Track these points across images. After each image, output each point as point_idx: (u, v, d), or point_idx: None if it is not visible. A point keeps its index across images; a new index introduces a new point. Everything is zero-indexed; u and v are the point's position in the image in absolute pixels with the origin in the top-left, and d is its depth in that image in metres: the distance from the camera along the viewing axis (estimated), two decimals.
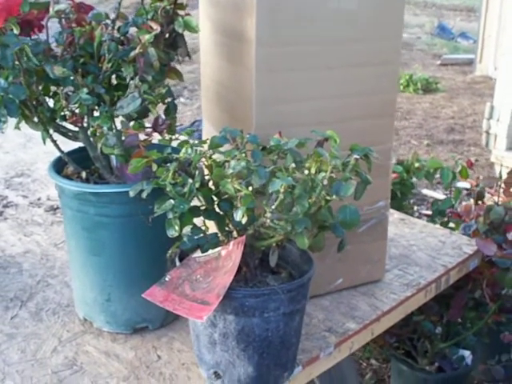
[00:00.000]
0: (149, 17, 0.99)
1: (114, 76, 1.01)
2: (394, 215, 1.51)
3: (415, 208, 3.07)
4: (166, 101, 1.04)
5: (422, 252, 1.32)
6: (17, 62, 0.88)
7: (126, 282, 1.00)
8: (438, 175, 1.85)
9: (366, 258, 1.17)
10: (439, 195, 3.06)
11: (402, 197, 1.88)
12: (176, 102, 1.05)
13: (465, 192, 2.57)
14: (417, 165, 1.83)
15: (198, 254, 0.88)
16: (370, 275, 1.19)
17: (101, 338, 1.03)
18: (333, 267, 1.14)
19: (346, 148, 0.88)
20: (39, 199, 1.58)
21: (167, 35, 0.99)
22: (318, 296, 1.15)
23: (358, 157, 0.78)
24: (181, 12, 1.01)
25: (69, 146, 1.05)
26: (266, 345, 0.85)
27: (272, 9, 0.93)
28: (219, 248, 0.87)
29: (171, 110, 1.04)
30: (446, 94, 4.78)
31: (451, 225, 1.66)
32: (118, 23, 1.02)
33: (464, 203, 1.56)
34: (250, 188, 0.75)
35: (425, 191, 3.19)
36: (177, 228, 0.78)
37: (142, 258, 0.98)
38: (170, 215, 0.79)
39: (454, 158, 2.54)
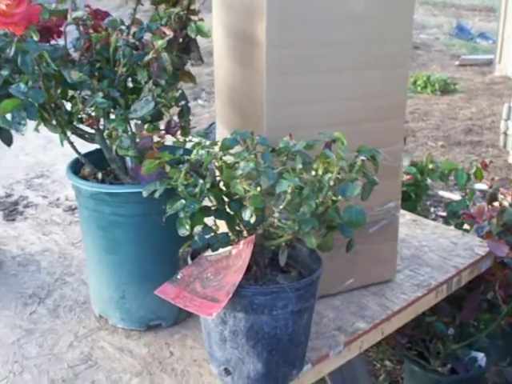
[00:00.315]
0: (163, 22, 1.02)
1: (129, 80, 1.04)
2: (406, 216, 1.52)
3: (432, 210, 3.08)
4: (180, 104, 1.07)
5: (434, 253, 1.33)
6: (36, 67, 0.92)
7: (140, 280, 1.02)
8: (452, 177, 1.87)
9: (377, 258, 1.18)
10: (456, 197, 3.06)
11: (416, 198, 1.89)
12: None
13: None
14: (431, 166, 1.84)
15: (209, 252, 0.91)
16: (381, 275, 1.21)
17: (115, 334, 1.06)
18: (344, 267, 1.16)
19: (355, 149, 0.90)
20: (58, 199, 1.62)
21: (180, 40, 1.02)
22: (329, 296, 1.17)
23: (364, 158, 0.80)
24: (194, 17, 1.04)
25: (86, 147, 1.08)
26: (274, 342, 0.88)
27: (282, 12, 0.95)
28: (230, 247, 0.89)
29: (185, 113, 1.06)
30: (465, 94, 4.77)
31: (466, 226, 1.67)
32: (134, 29, 1.05)
33: (477, 204, 1.57)
34: (259, 188, 0.77)
35: (442, 193, 3.20)
36: (187, 227, 0.81)
37: (156, 257, 1.01)
38: (181, 215, 0.81)
39: (469, 159, 2.54)
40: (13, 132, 1.78)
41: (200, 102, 4.52)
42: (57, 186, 1.70)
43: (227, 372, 0.92)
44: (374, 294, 1.18)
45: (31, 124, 0.97)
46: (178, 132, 1.03)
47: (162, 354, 1.01)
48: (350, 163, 0.81)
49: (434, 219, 2.58)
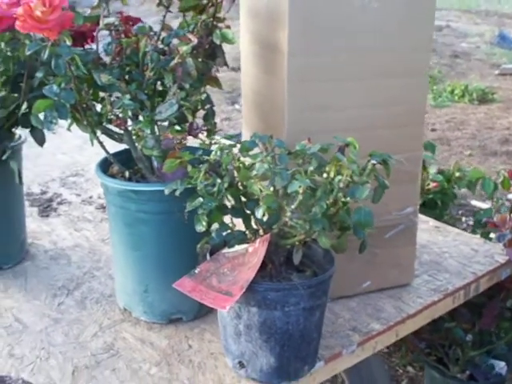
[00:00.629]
0: (190, 29, 1.06)
1: (159, 83, 1.09)
2: (430, 223, 1.54)
3: (464, 219, 3.07)
4: (206, 107, 1.12)
5: (454, 259, 1.35)
6: (68, 70, 0.97)
7: (162, 275, 1.07)
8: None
9: (395, 262, 1.21)
10: (488, 206, 3.04)
11: (442, 206, 1.90)
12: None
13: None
14: (458, 174, 1.85)
15: (227, 249, 0.95)
16: (399, 279, 1.23)
17: (138, 326, 1.11)
18: (361, 270, 1.19)
19: None
20: (91, 197, 1.68)
21: (207, 46, 1.07)
22: (347, 297, 1.20)
23: (375, 162, 0.83)
24: (221, 24, 1.09)
25: (116, 147, 1.13)
26: (286, 337, 0.91)
27: (303, 21, 0.99)
28: (247, 245, 0.93)
29: (209, 116, 1.11)
30: (503, 104, 4.72)
31: (492, 235, 1.68)
32: (164, 34, 1.10)
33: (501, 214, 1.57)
34: (272, 188, 0.81)
35: (474, 202, 3.18)
36: (204, 224, 0.85)
37: (178, 253, 1.05)
38: (199, 212, 0.86)
39: (496, 168, 2.53)
40: (49, 132, 1.85)
41: (237, 106, 4.58)
42: (90, 184, 1.76)
43: (241, 365, 0.96)
44: (391, 296, 1.21)
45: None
46: (204, 134, 1.08)
47: (180, 347, 1.06)
48: (362, 167, 0.85)
49: (464, 229, 2.58)
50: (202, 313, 1.13)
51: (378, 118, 1.10)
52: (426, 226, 1.52)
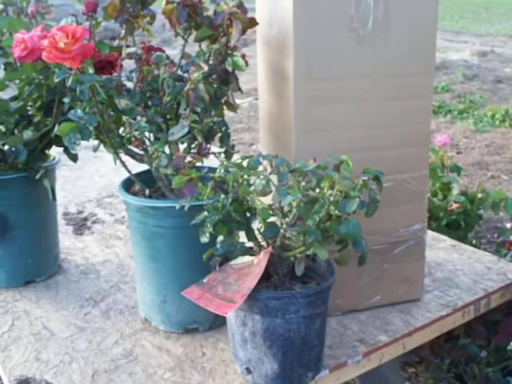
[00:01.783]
0: (205, 57, 1.15)
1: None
2: (447, 242, 1.57)
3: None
4: (222, 130, 1.19)
5: (466, 276, 1.39)
6: (91, 96, 1.06)
7: (178, 286, 1.13)
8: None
9: (403, 277, 1.25)
10: None
11: (466, 227, 1.93)
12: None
13: None
14: (480, 195, 1.88)
15: (235, 261, 1.02)
16: (408, 294, 1.27)
17: (157, 335, 1.18)
18: (370, 285, 1.24)
19: None
20: (123, 217, 1.77)
21: (221, 73, 1.15)
22: (357, 311, 1.25)
23: (365, 178, 0.88)
24: (236, 53, 1.17)
25: (141, 168, 1.22)
26: (288, 344, 0.97)
27: (308, 49, 1.06)
28: (253, 257, 1.00)
29: (224, 138, 1.18)
30: None
31: None
32: (183, 62, 1.19)
33: None
34: (271, 202, 0.88)
35: (509, 225, 3.17)
36: (207, 235, 0.92)
37: (193, 265, 1.12)
38: (204, 225, 0.93)
39: None
40: (91, 156, 1.98)
41: None
42: (123, 205, 1.85)
43: (248, 371, 1.02)
44: (400, 311, 1.25)
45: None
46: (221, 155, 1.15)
47: (195, 354, 1.12)
48: (355, 183, 0.91)
49: (485, 248, 2.58)
50: (217, 323, 1.19)
51: (383, 138, 1.15)
52: (444, 244, 1.56)
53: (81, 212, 1.82)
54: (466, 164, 3.92)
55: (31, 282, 1.39)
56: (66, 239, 1.62)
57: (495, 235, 3.07)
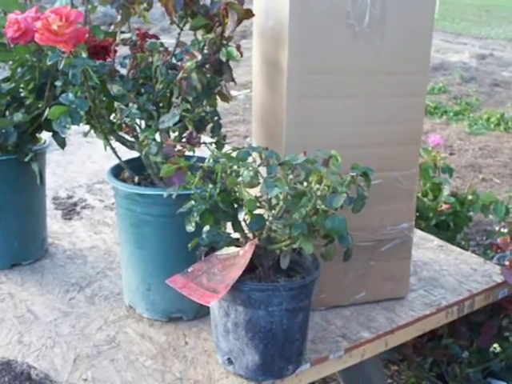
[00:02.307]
0: (200, 46, 1.14)
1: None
2: (434, 242, 1.58)
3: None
4: (214, 120, 1.19)
5: (452, 277, 1.39)
6: (84, 80, 1.06)
7: (163, 274, 1.13)
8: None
9: (389, 275, 1.26)
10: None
11: (455, 228, 1.93)
12: None
13: None
14: (470, 197, 1.88)
15: (220, 252, 1.02)
16: (393, 292, 1.28)
17: (140, 322, 1.18)
18: (356, 281, 1.24)
19: None
20: (113, 203, 1.77)
21: (215, 63, 1.14)
22: (342, 306, 1.25)
23: (354, 174, 0.88)
24: (231, 43, 1.16)
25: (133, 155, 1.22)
26: (270, 336, 0.97)
27: (302, 42, 1.06)
28: (239, 248, 1.00)
29: (216, 129, 1.18)
30: None
31: None
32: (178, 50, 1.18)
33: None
34: (259, 194, 0.88)
35: (498, 228, 3.18)
36: (193, 224, 0.92)
37: (179, 254, 1.12)
38: (191, 214, 0.93)
39: (507, 192, 2.55)
40: (84, 141, 1.97)
41: None
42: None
43: (230, 361, 1.02)
44: (384, 308, 1.25)
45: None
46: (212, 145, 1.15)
47: (177, 343, 1.12)
48: (343, 178, 0.91)
49: (473, 251, 2.59)
50: (201, 313, 1.19)
51: (375, 135, 1.15)
52: (431, 244, 1.56)
53: (71, 197, 1.81)
54: (459, 166, 3.93)
55: (17, 265, 1.39)
56: (55, 224, 1.62)
57: (484, 238, 3.08)
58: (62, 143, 1.26)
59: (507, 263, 1.44)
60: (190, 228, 0.93)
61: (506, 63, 7.41)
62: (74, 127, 1.12)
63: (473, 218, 2.07)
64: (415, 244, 1.54)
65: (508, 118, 4.77)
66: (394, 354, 1.64)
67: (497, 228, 3.21)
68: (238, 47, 1.15)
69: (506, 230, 1.83)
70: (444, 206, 1.86)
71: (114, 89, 1.05)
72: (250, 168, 0.88)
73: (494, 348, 1.52)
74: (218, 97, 1.19)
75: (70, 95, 1.04)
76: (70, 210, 1.72)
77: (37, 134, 1.34)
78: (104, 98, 1.09)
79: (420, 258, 1.48)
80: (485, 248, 1.86)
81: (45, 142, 1.37)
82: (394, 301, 1.28)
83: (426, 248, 1.54)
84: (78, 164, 2.11)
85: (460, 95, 5.65)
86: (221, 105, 1.22)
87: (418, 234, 1.62)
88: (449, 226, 1.92)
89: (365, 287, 1.25)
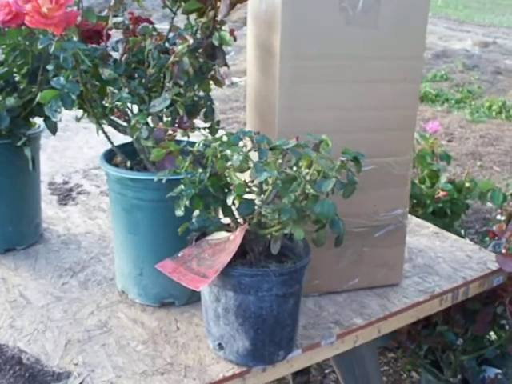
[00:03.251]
0: (193, 30, 1.13)
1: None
2: (430, 228, 1.57)
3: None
4: (207, 105, 1.18)
5: (447, 264, 1.39)
6: (75, 64, 1.05)
7: (155, 259, 1.12)
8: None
9: (382, 261, 1.25)
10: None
11: (452, 215, 1.93)
12: None
13: None
14: (467, 185, 1.87)
15: (211, 237, 1.01)
16: (387, 279, 1.27)
17: (133, 307, 1.18)
18: (349, 267, 1.24)
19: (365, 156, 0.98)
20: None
21: (208, 47, 1.14)
22: (335, 293, 1.25)
23: (344, 159, 0.88)
24: (225, 27, 1.15)
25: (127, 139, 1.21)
26: (260, 322, 0.97)
27: (295, 26, 1.05)
28: (230, 233, 0.99)
29: (209, 114, 1.17)
30: None
31: None
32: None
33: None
34: (249, 179, 0.87)
35: (499, 217, 3.17)
36: (182, 209, 0.92)
37: (171, 239, 1.11)
38: (180, 198, 0.92)
39: (505, 180, 2.54)
40: (81, 127, 1.96)
41: None
42: None
43: (220, 347, 1.02)
44: (378, 295, 1.25)
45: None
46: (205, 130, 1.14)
47: (169, 328, 1.12)
48: (334, 163, 0.90)
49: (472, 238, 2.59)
50: (193, 299, 1.19)
51: (368, 120, 1.14)
52: (426, 231, 1.56)
53: (66, 182, 1.81)
54: (459, 154, 3.92)
55: (11, 249, 1.38)
56: (50, 209, 1.62)
57: (484, 226, 3.08)
58: (53, 128, 1.26)
59: (503, 250, 1.44)
60: (180, 212, 0.93)
61: (509, 51, 7.37)
62: (71, 113, 1.12)
63: (472, 205, 2.06)
64: (411, 231, 1.54)
65: (510, 106, 4.75)
66: (390, 341, 1.64)
67: (498, 216, 3.21)
68: (232, 31, 1.15)
69: (502, 218, 1.83)
70: (441, 193, 1.85)
71: (106, 73, 1.04)
72: (240, 152, 0.87)
73: (489, 335, 1.51)
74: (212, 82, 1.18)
75: (62, 79, 1.03)
76: (65, 196, 1.71)
77: (30, 119, 1.33)
78: (96, 83, 1.08)
79: (415, 245, 1.48)
80: (482, 235, 1.86)
81: (39, 127, 1.36)
82: (387, 287, 1.27)
83: (422, 235, 1.53)
84: (75, 149, 2.11)
85: (462, 83, 5.62)
86: (222, 91, 1.22)
87: (414, 220, 1.61)
88: (446, 213, 1.91)
89: (358, 273, 1.25)
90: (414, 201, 1.91)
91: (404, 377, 2.00)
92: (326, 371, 2.02)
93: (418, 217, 1.72)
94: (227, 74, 5.24)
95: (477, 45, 7.45)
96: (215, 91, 1.27)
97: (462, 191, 1.92)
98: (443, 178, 1.89)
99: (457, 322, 1.46)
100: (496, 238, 1.54)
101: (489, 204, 2.08)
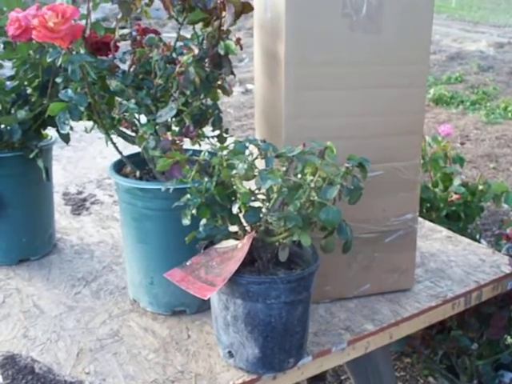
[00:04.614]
0: (199, 40, 1.14)
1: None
2: (443, 232, 1.57)
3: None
4: (214, 114, 1.19)
5: (459, 268, 1.38)
6: (83, 76, 1.06)
7: (166, 268, 1.13)
8: None
9: (393, 266, 1.25)
10: None
11: (466, 219, 1.91)
12: None
13: None
14: (481, 187, 1.86)
15: (219, 245, 1.02)
16: (398, 284, 1.27)
17: (144, 316, 1.19)
18: (360, 273, 1.23)
19: (372, 162, 0.98)
20: None
21: (214, 56, 1.14)
22: (346, 299, 1.25)
23: (349, 165, 0.88)
24: (231, 36, 1.16)
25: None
26: (269, 329, 0.97)
27: (299, 33, 1.05)
28: (237, 242, 1.00)
29: (216, 122, 1.18)
30: None
31: None
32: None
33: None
34: (254, 187, 0.88)
35: None
36: (189, 218, 0.92)
37: (180, 247, 1.11)
38: (187, 207, 0.93)
39: None
40: (96, 137, 1.98)
41: None
42: None
43: (230, 355, 1.02)
44: (390, 300, 1.25)
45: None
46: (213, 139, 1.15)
47: (180, 336, 1.13)
48: (341, 170, 0.90)
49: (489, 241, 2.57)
50: (204, 307, 1.19)
51: (375, 126, 1.14)
52: (439, 235, 1.55)
53: (80, 192, 1.83)
54: (475, 156, 3.90)
55: (25, 260, 1.40)
56: (64, 219, 1.63)
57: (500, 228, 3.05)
58: (65, 138, 1.27)
59: None
60: (186, 222, 0.94)
61: None
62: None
63: (489, 208, 2.05)
64: (423, 235, 1.53)
65: None
66: (405, 346, 1.63)
67: None
68: (238, 41, 1.15)
69: None
70: (454, 197, 1.84)
71: (113, 84, 1.05)
72: (246, 161, 0.88)
73: (505, 339, 1.50)
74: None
75: (70, 91, 1.05)
76: (79, 206, 1.73)
77: (42, 131, 1.35)
78: (104, 94, 1.10)
79: (428, 249, 1.47)
80: (496, 238, 1.85)
81: (51, 138, 1.38)
82: (399, 293, 1.27)
83: (434, 239, 1.53)
84: (89, 160, 2.13)
85: (477, 84, 5.59)
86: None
87: (427, 225, 1.61)
88: (460, 216, 1.90)
89: (369, 279, 1.25)
90: (428, 205, 1.90)
91: (421, 382, 1.99)
92: (342, 377, 2.01)
93: (431, 221, 1.71)
94: (242, 81, 5.27)
95: (492, 46, 7.40)
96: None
97: (475, 194, 1.91)
98: (456, 181, 1.88)
99: (471, 327, 1.45)
100: (510, 241, 1.53)
101: (506, 206, 2.06)
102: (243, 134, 4.27)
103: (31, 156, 1.29)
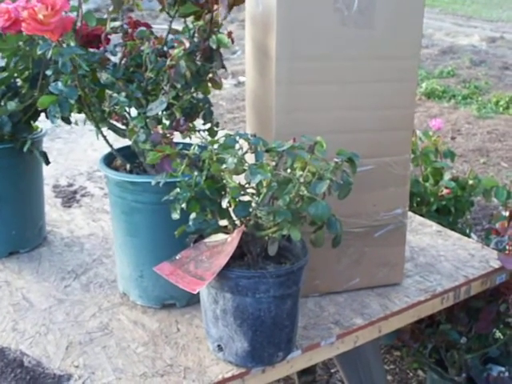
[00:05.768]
0: (191, 34, 1.14)
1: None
2: (433, 227, 1.57)
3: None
4: (204, 107, 1.19)
5: (448, 262, 1.38)
6: (73, 69, 1.06)
7: (155, 262, 1.13)
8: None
9: (383, 261, 1.25)
10: None
11: (456, 213, 1.92)
12: None
13: None
14: (471, 182, 1.87)
15: (209, 239, 1.02)
16: (388, 278, 1.28)
17: (134, 309, 1.19)
18: (350, 267, 1.24)
19: (362, 156, 0.99)
20: None
21: (205, 50, 1.14)
22: (336, 293, 1.25)
23: (338, 160, 0.88)
24: (223, 30, 1.16)
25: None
26: (258, 323, 0.97)
27: (291, 27, 1.05)
28: (227, 236, 1.00)
29: (207, 116, 1.18)
30: None
31: None
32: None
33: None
34: (244, 181, 0.88)
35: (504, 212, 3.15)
36: (178, 212, 0.92)
37: (170, 241, 1.11)
38: (176, 201, 0.93)
39: (508, 177, 2.53)
40: (87, 129, 1.96)
41: None
42: None
43: (220, 348, 1.03)
44: (379, 295, 1.25)
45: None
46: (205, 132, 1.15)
47: (169, 330, 1.13)
48: (330, 164, 0.90)
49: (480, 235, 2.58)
50: (194, 300, 1.19)
51: (366, 121, 1.15)
52: (429, 230, 1.56)
53: (71, 185, 1.82)
54: (466, 150, 3.91)
55: (15, 253, 1.40)
56: (54, 211, 1.63)
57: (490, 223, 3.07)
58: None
59: (509, 248, 1.43)
60: (176, 216, 0.94)
61: None
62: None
63: (479, 202, 2.06)
64: (413, 229, 1.54)
65: None
66: (395, 340, 1.64)
67: (503, 212, 3.19)
68: (229, 34, 1.15)
69: (506, 214, 1.82)
70: (445, 191, 1.85)
71: (103, 77, 1.05)
72: (235, 155, 0.88)
73: (494, 333, 1.51)
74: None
75: (60, 84, 1.04)
76: (69, 198, 1.73)
77: (32, 123, 1.34)
78: (94, 87, 1.09)
79: (417, 244, 1.48)
80: (486, 233, 1.86)
81: (41, 131, 1.37)
82: (388, 287, 1.27)
83: (424, 233, 1.53)
84: (80, 152, 2.12)
85: (469, 79, 5.60)
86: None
87: (417, 219, 1.61)
88: (450, 210, 1.90)
89: (359, 273, 1.25)
90: (418, 199, 1.91)
91: (410, 375, 2.00)
92: (332, 370, 2.02)
93: (421, 215, 1.72)
94: (234, 74, 5.26)
95: (484, 40, 7.41)
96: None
97: (465, 188, 1.91)
98: (447, 176, 1.88)
99: (460, 321, 1.46)
100: (499, 235, 1.53)
101: (495, 200, 2.07)
102: (235, 126, 4.26)
103: (25, 149, 1.28)
